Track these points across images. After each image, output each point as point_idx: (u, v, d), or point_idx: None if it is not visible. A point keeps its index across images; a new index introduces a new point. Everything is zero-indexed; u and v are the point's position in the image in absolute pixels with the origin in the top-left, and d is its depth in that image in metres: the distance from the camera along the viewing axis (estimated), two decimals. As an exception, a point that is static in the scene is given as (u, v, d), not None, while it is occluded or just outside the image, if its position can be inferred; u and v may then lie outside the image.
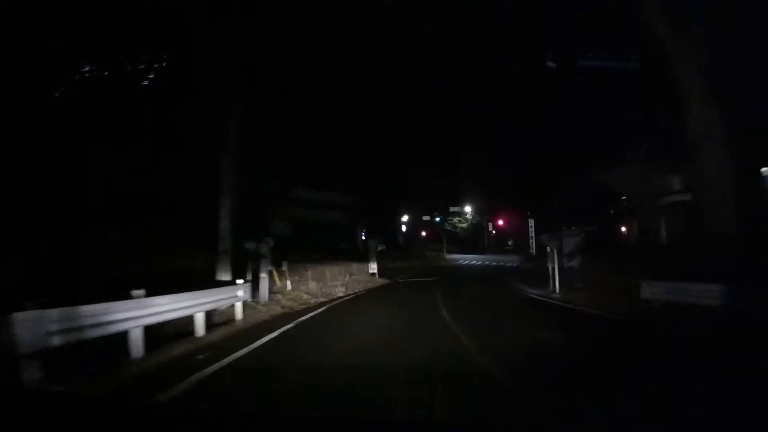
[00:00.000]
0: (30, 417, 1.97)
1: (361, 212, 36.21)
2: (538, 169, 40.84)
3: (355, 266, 23.67)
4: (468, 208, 62.90)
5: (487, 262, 44.12)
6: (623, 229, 40.88)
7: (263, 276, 12.35)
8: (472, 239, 65.79)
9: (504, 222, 61.24)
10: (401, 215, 62.51)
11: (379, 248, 49.85)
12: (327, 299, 14.81)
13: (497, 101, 37.94)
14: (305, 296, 14.79)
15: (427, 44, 25.76)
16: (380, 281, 23.07)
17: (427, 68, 30.36)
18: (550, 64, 19.96)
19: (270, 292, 12.71)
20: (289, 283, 15.16)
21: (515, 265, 37.52)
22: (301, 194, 26.82)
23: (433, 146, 54.49)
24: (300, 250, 18.98)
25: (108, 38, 14.84)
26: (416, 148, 51.06)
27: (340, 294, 16.48)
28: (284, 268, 15.25)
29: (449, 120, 46.17)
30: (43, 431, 1.87)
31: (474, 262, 45.38)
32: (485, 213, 63.66)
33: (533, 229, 39.05)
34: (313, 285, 16.38)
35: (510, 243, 60.03)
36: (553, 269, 16.64)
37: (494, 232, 63.93)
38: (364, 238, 36.40)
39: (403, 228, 64.30)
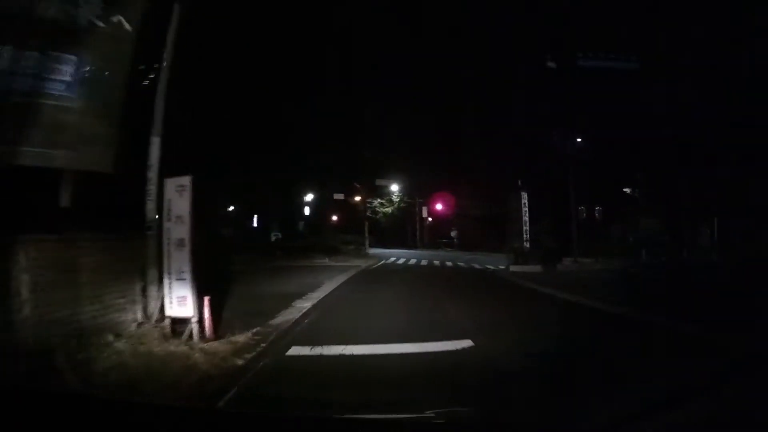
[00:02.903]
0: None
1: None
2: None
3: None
4: (395, 187, 46.16)
5: (437, 261, 27.39)
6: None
7: None
8: (399, 229, 49.37)
9: (444, 206, 45.49)
10: (304, 192, 44.57)
11: (273, 237, 37.44)
12: None
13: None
14: None
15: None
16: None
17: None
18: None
19: None
20: None
21: (507, 268, 21.20)
22: None
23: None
24: None
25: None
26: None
27: None
28: None
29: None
30: None
31: (416, 261, 28.35)
32: (417, 193, 47.40)
33: (527, 208, 22.94)
34: None
35: (454, 234, 44.35)
36: None
37: (430, 219, 47.92)
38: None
39: (307, 210, 46.36)
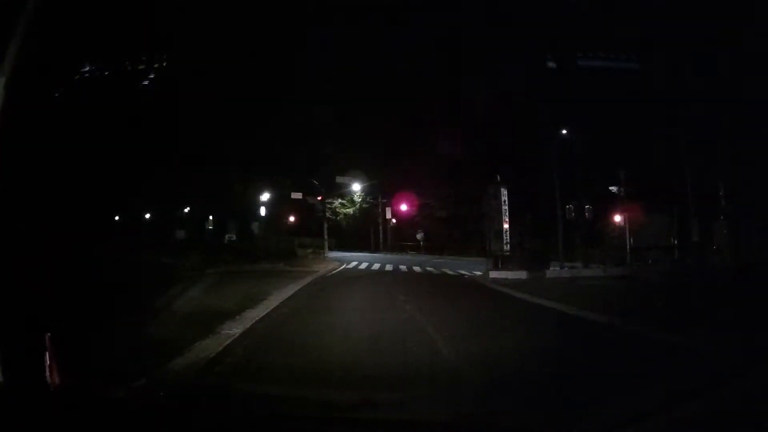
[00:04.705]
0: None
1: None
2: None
3: None
4: (357, 186, 43.31)
5: (403, 266, 24.54)
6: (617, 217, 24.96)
7: None
8: (361, 231, 46.52)
9: (409, 206, 43.08)
10: (260, 189, 41.27)
11: (227, 239, 34.73)
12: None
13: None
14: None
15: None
16: None
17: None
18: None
19: None
20: None
21: (486, 274, 18.78)
22: None
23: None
24: None
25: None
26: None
27: None
28: None
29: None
30: None
31: (380, 265, 25.44)
32: (380, 193, 44.63)
33: (506, 206, 20.61)
34: None
35: (419, 236, 41.94)
36: None
37: (393, 221, 45.26)
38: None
39: (263, 211, 43.05)
